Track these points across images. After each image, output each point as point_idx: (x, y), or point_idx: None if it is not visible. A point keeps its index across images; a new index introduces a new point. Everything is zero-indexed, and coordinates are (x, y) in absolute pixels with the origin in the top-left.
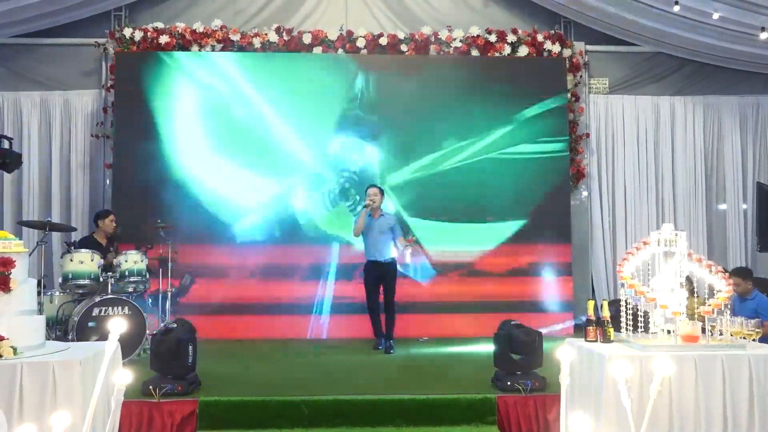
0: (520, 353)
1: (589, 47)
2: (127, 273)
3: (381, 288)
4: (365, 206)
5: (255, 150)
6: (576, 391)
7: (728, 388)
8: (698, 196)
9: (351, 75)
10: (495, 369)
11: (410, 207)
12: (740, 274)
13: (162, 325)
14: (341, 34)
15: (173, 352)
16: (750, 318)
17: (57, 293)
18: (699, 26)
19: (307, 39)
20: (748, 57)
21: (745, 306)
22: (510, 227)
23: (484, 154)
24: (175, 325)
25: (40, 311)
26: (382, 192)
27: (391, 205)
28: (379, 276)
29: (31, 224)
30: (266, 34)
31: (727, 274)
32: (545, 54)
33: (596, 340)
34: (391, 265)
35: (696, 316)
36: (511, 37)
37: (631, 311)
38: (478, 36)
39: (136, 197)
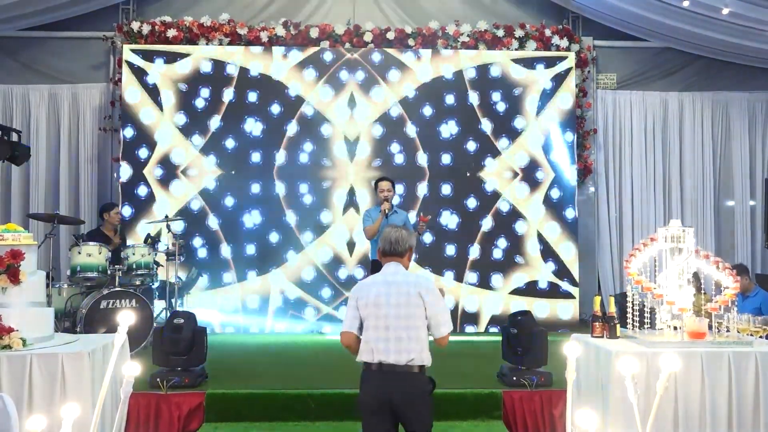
0: (526, 349)
1: (597, 42)
2: (134, 266)
3: None
4: (385, 212)
5: None
6: (582, 387)
7: (734, 385)
8: (706, 192)
9: None
10: (501, 363)
11: None
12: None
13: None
14: (348, 28)
15: (180, 345)
16: (753, 315)
17: (65, 285)
18: (708, 21)
19: (314, 33)
20: (757, 53)
21: (748, 303)
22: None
23: None
24: (181, 319)
25: (49, 303)
26: (394, 185)
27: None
28: None
29: (39, 217)
30: (273, 28)
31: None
32: (553, 49)
33: (602, 336)
34: None
35: (703, 312)
36: (518, 32)
37: (637, 307)
38: (485, 31)
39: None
